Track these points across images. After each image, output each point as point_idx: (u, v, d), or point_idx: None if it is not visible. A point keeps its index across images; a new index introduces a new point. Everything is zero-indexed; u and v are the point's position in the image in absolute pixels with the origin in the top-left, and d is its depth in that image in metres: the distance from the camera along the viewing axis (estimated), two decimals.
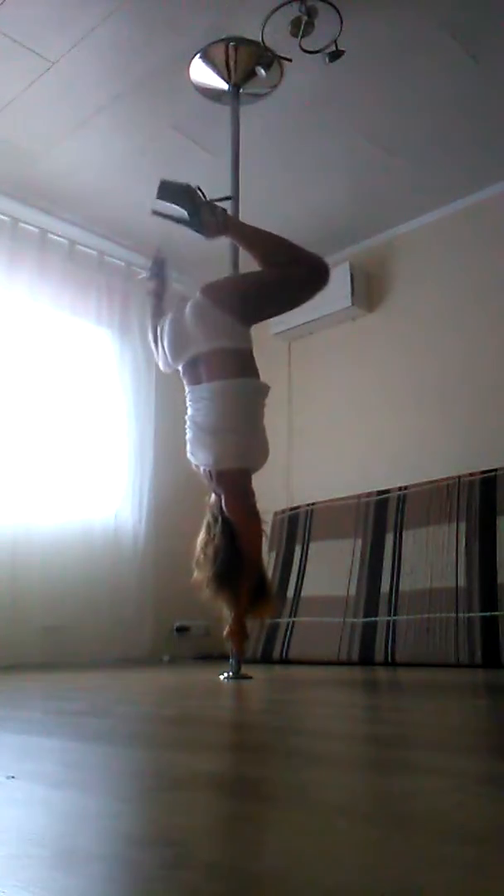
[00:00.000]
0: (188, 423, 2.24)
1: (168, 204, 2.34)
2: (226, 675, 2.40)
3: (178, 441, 4.10)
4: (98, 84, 2.84)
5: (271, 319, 4.12)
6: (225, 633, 2.38)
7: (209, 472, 2.18)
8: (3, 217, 3.54)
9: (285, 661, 3.35)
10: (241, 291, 2.26)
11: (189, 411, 2.24)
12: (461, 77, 2.83)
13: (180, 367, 2.29)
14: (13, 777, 0.86)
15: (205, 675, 2.72)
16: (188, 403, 2.26)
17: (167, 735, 1.28)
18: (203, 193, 2.33)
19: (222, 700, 1.94)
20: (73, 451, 3.60)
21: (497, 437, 3.30)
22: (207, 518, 2.25)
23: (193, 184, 2.33)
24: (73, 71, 2.76)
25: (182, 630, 3.98)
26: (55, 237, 3.75)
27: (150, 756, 1.07)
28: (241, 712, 1.73)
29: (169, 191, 2.34)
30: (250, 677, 2.39)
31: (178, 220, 2.32)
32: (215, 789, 0.82)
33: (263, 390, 2.24)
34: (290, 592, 3.55)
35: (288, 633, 3.43)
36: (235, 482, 2.22)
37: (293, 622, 3.44)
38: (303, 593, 3.51)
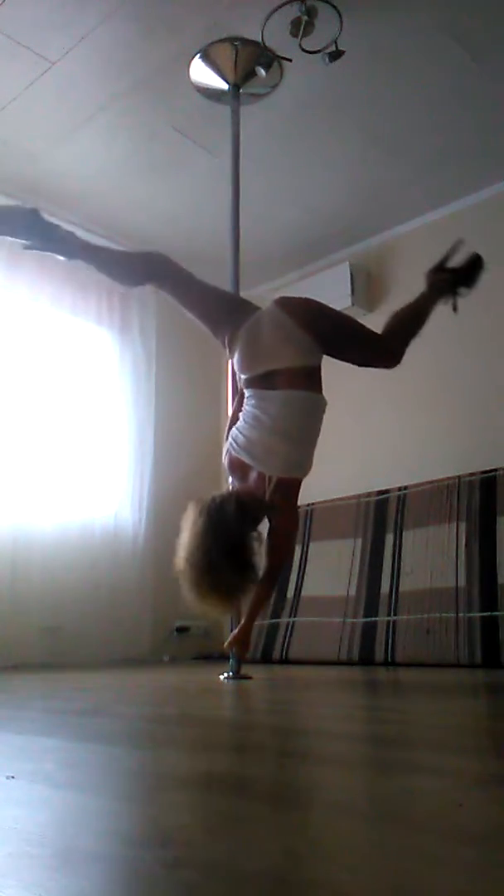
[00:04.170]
0: (251, 423, 2.18)
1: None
2: (226, 675, 2.40)
3: (178, 441, 4.14)
4: (98, 84, 2.84)
5: None
6: (227, 641, 2.37)
7: (269, 477, 2.15)
8: None
9: (285, 661, 3.35)
10: (341, 329, 2.25)
11: (254, 413, 2.20)
12: (461, 77, 2.83)
13: (247, 373, 2.25)
14: (13, 777, 0.86)
15: (205, 675, 2.72)
16: (251, 406, 2.22)
17: (167, 735, 1.28)
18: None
19: (222, 700, 1.94)
20: (74, 452, 3.60)
21: (497, 437, 3.30)
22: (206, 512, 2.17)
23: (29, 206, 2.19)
24: (73, 71, 2.76)
25: (182, 630, 3.98)
26: None
27: (150, 756, 1.07)
28: (241, 712, 1.72)
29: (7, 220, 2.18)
30: (250, 677, 2.39)
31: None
32: (215, 789, 0.82)
33: (325, 407, 2.26)
34: (290, 592, 3.55)
35: (288, 633, 3.43)
36: (296, 492, 2.25)
37: (293, 622, 3.44)
38: (303, 593, 3.51)
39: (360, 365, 2.32)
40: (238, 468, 2.24)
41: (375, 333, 2.26)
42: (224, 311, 2.27)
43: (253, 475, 2.18)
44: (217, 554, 2.02)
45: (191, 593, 2.07)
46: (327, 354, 2.24)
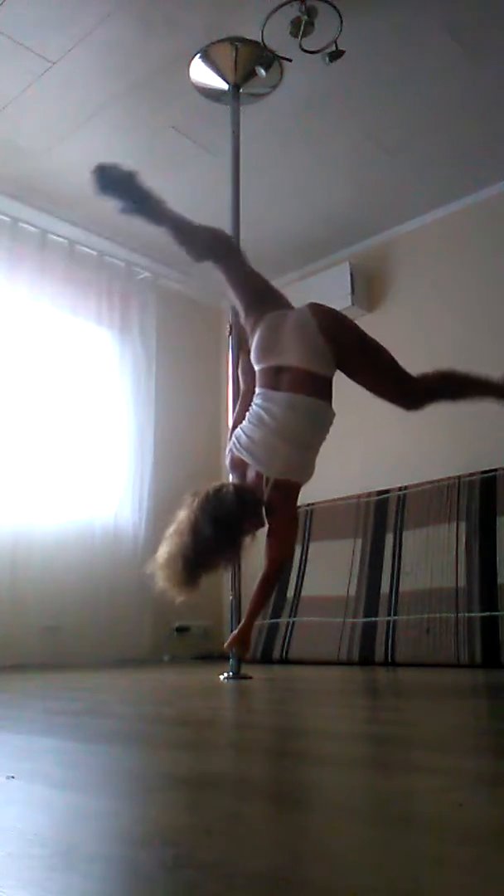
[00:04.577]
0: (255, 423, 2.19)
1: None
2: (226, 675, 2.40)
3: (178, 441, 4.14)
4: (98, 84, 2.84)
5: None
6: (227, 641, 2.37)
7: (266, 477, 2.16)
8: (3, 217, 3.55)
9: (285, 661, 3.35)
10: (363, 350, 2.22)
11: (259, 413, 2.20)
12: (461, 77, 2.83)
13: (258, 364, 2.26)
14: (13, 777, 0.86)
15: (205, 675, 2.72)
16: (257, 405, 2.22)
17: (167, 735, 1.28)
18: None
19: (222, 700, 1.94)
20: (74, 452, 3.60)
21: (497, 437, 3.30)
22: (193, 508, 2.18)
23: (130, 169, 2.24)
24: (73, 71, 2.76)
25: (182, 630, 3.98)
26: (55, 237, 3.75)
27: (150, 756, 1.07)
28: (241, 712, 1.72)
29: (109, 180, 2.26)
30: (250, 677, 2.39)
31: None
32: (215, 789, 0.82)
33: (332, 419, 2.26)
34: (290, 592, 3.55)
35: (288, 633, 3.43)
36: (295, 497, 2.24)
37: (293, 622, 3.44)
38: (303, 593, 3.51)
39: (372, 391, 2.24)
40: (238, 467, 2.25)
41: (405, 372, 2.20)
42: (260, 297, 2.28)
43: (251, 474, 2.19)
44: (206, 527, 2.06)
45: (159, 559, 2.10)
46: (341, 370, 2.20)
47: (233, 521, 2.10)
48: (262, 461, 2.16)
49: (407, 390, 2.22)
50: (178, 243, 2.35)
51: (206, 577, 2.12)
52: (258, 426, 2.19)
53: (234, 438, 2.27)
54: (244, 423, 2.25)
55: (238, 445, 2.22)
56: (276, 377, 2.20)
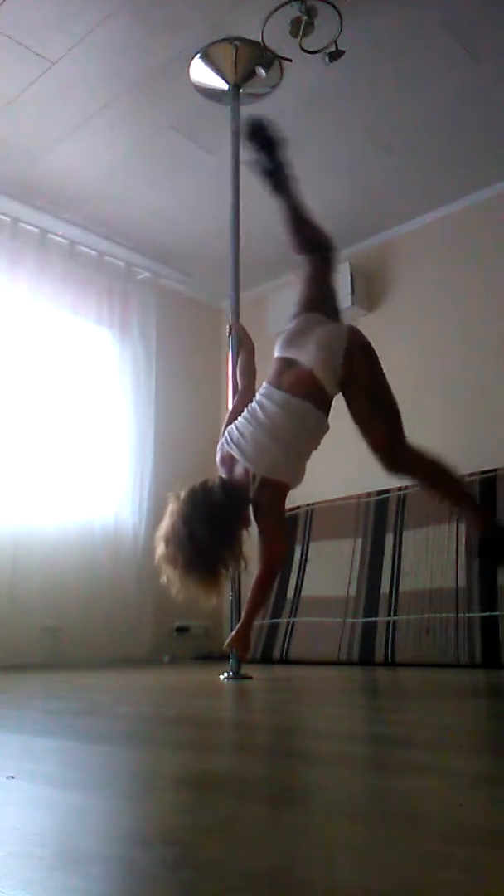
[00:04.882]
0: (248, 419, 2.21)
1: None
2: (226, 675, 2.40)
3: (178, 441, 4.14)
4: (98, 84, 2.84)
5: (271, 316, 4.13)
6: (227, 642, 2.37)
7: (253, 474, 2.17)
8: (3, 217, 3.55)
9: (285, 661, 3.35)
10: (370, 385, 2.19)
11: (254, 409, 2.22)
12: (461, 77, 2.83)
13: (277, 352, 2.28)
14: (13, 777, 0.86)
15: (205, 675, 2.72)
16: (255, 400, 2.23)
17: (167, 735, 1.28)
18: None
19: (222, 700, 1.94)
20: (74, 452, 3.60)
21: (497, 437, 3.30)
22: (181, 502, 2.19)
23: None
24: (73, 71, 2.76)
25: (182, 630, 3.98)
26: (55, 237, 3.75)
27: (150, 756, 1.07)
28: (241, 712, 1.72)
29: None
30: (250, 677, 2.39)
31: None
32: (215, 789, 0.82)
33: (326, 430, 2.25)
34: (290, 592, 3.55)
35: (288, 633, 3.43)
36: (282, 499, 2.24)
37: (293, 622, 3.44)
38: (303, 593, 3.51)
39: (361, 429, 2.20)
40: (227, 462, 2.26)
41: (402, 433, 2.18)
42: (320, 302, 2.32)
43: (239, 470, 2.20)
44: (198, 524, 2.07)
45: (170, 570, 2.11)
46: (342, 393, 2.18)
47: (222, 514, 2.12)
48: (249, 457, 2.16)
49: (395, 451, 2.18)
50: (288, 225, 2.40)
51: (223, 571, 2.13)
52: (250, 421, 2.20)
53: (226, 433, 2.28)
54: (239, 419, 2.26)
55: (229, 440, 2.24)
56: (282, 371, 2.21)
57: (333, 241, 2.41)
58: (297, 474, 2.25)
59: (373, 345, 2.24)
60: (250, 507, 2.21)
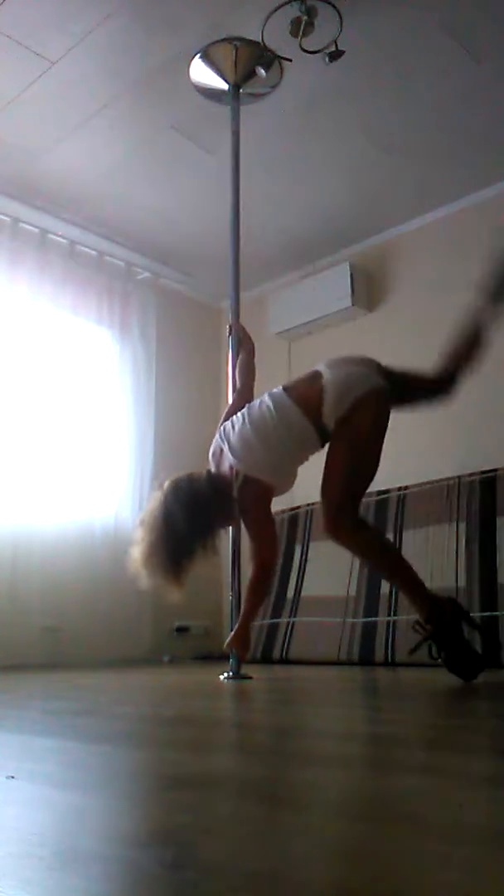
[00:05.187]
0: (243, 415, 2.22)
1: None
2: (226, 675, 2.40)
3: (178, 441, 4.14)
4: (98, 84, 2.84)
5: (271, 316, 4.13)
6: (227, 642, 2.37)
7: (237, 471, 2.18)
8: (3, 217, 3.55)
9: (285, 661, 3.35)
10: (354, 441, 2.16)
11: (251, 406, 2.23)
12: (461, 77, 2.83)
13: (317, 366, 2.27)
14: (13, 777, 0.86)
15: (205, 675, 2.72)
16: (264, 395, 2.25)
17: (167, 735, 1.28)
18: None
19: (222, 700, 1.94)
20: (74, 452, 3.60)
21: (497, 437, 3.30)
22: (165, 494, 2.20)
23: None
24: (73, 71, 2.76)
25: (182, 630, 3.98)
26: (55, 237, 3.75)
27: (150, 756, 1.07)
28: (240, 712, 1.72)
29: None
30: (250, 677, 2.39)
31: None
32: (215, 789, 0.82)
33: (317, 449, 2.23)
34: (290, 592, 3.55)
35: (288, 633, 3.43)
36: (266, 501, 2.24)
37: (293, 622, 3.44)
38: (303, 593, 3.51)
39: (325, 468, 2.16)
40: (218, 456, 2.27)
41: (357, 500, 2.16)
42: (394, 373, 2.31)
43: (226, 465, 2.21)
44: (175, 512, 2.08)
45: (136, 555, 2.10)
46: (334, 427, 2.15)
47: (202, 505, 2.12)
48: (235, 453, 2.17)
49: (340, 513, 2.11)
50: (460, 339, 2.38)
51: (189, 566, 2.12)
52: (244, 419, 2.21)
53: (220, 428, 2.30)
54: (236, 414, 2.26)
55: (222, 434, 2.25)
56: (303, 380, 2.22)
57: (458, 386, 2.36)
58: (283, 479, 2.23)
59: (383, 416, 2.21)
60: (235, 506, 2.22)
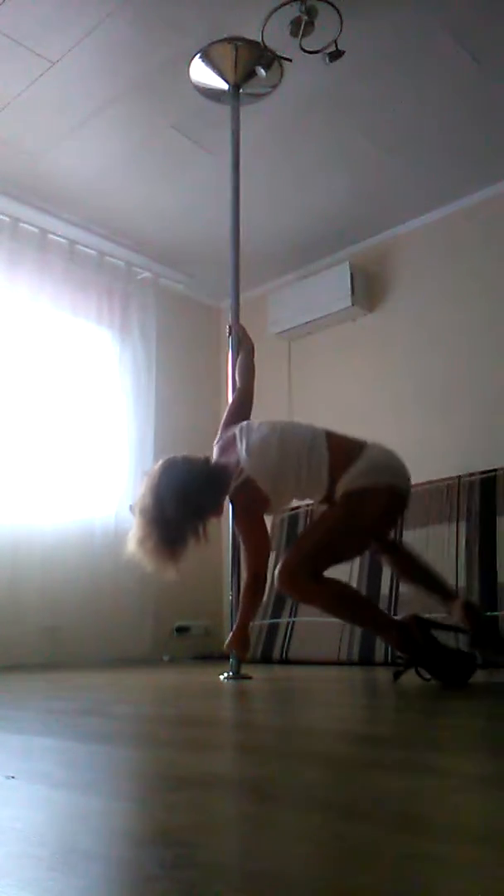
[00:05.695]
0: (274, 421, 2.30)
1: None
2: (226, 675, 2.40)
3: (178, 441, 4.13)
4: (98, 84, 2.84)
5: (271, 316, 4.13)
6: (227, 643, 2.37)
7: (241, 469, 2.20)
8: (3, 217, 3.54)
9: (285, 661, 3.35)
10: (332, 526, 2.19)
11: (288, 420, 2.33)
12: (462, 77, 2.83)
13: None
14: (13, 777, 0.86)
15: (205, 675, 2.72)
16: (301, 420, 2.33)
17: (167, 735, 1.28)
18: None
19: (222, 700, 1.94)
20: (74, 452, 3.60)
21: (497, 437, 3.30)
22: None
23: None
24: (73, 71, 2.76)
25: (182, 630, 3.98)
26: (55, 237, 3.75)
27: (150, 756, 1.07)
28: (240, 712, 1.73)
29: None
30: (250, 677, 2.39)
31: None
32: (216, 789, 0.82)
33: (312, 488, 2.22)
34: None
35: (288, 633, 3.43)
36: (258, 507, 2.24)
37: (293, 622, 3.44)
38: None
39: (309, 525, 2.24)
40: (227, 449, 2.28)
41: (316, 563, 2.12)
42: None
43: (232, 459, 2.22)
44: (168, 492, 2.10)
45: (132, 535, 2.12)
46: (333, 504, 2.20)
47: (196, 488, 2.14)
48: (250, 451, 2.19)
49: (301, 566, 2.11)
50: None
51: (183, 551, 2.13)
52: (273, 426, 2.25)
53: (243, 424, 2.32)
54: (268, 421, 2.30)
55: (242, 429, 2.28)
56: (347, 437, 2.28)
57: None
58: (278, 498, 2.24)
59: (388, 515, 2.24)
60: (225, 500, 2.24)
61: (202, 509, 2.17)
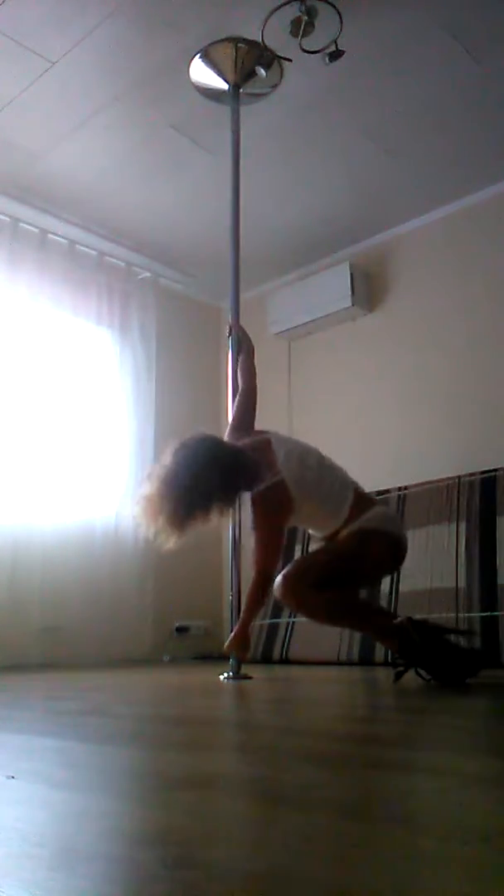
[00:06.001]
0: (324, 457, 2.41)
1: None
2: (226, 675, 2.40)
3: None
4: (98, 84, 2.84)
5: (271, 316, 4.13)
6: (227, 643, 2.37)
7: (277, 469, 2.27)
8: (3, 217, 3.55)
9: (285, 661, 3.35)
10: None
11: (334, 463, 2.42)
12: (461, 77, 2.83)
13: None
14: (13, 777, 0.86)
15: (205, 675, 2.72)
16: (343, 474, 2.41)
17: (167, 735, 1.28)
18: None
19: (222, 700, 1.94)
20: (74, 452, 3.60)
21: (497, 437, 3.30)
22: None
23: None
24: (73, 71, 2.76)
25: (182, 630, 3.98)
26: (55, 237, 3.75)
27: (151, 756, 1.07)
28: (241, 712, 1.73)
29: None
30: (250, 677, 2.39)
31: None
32: (216, 789, 0.82)
33: (330, 527, 2.32)
34: None
35: (288, 633, 3.43)
36: (277, 515, 2.28)
37: (293, 622, 3.44)
38: None
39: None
40: (261, 450, 2.30)
41: (310, 579, 2.21)
42: None
43: (267, 458, 2.26)
44: (201, 460, 2.13)
45: (145, 492, 2.14)
46: (339, 537, 2.30)
47: (226, 464, 2.16)
48: (289, 460, 2.25)
49: (299, 581, 2.21)
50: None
51: (199, 519, 2.13)
52: (322, 457, 2.37)
53: (278, 435, 2.40)
54: (315, 450, 2.39)
55: (279, 438, 2.36)
56: (371, 497, 2.47)
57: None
58: (299, 511, 2.29)
59: (384, 562, 2.36)
60: (241, 492, 2.26)
61: (227, 489, 2.17)
